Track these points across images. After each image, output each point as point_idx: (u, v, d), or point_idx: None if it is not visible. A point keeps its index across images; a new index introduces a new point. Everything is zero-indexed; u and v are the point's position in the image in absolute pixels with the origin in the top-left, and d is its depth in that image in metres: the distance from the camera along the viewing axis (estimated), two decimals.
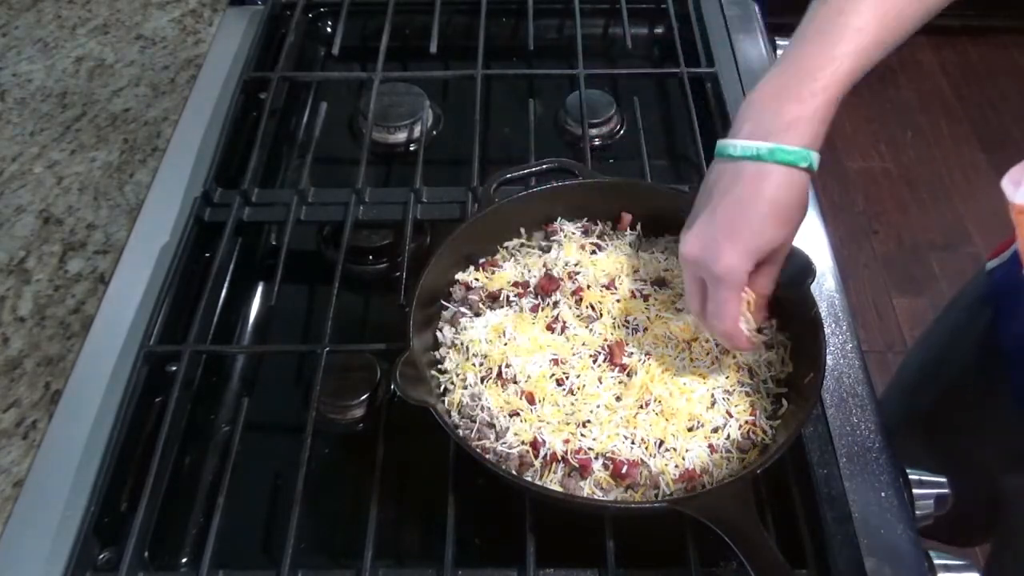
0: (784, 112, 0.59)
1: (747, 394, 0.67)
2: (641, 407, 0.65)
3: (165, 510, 0.69)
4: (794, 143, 0.59)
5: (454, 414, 0.67)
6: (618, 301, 0.72)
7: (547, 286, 0.72)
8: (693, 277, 0.63)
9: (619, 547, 0.63)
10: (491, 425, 0.65)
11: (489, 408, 0.65)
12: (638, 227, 0.79)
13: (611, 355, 0.68)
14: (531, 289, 0.73)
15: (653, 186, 0.85)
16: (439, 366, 0.70)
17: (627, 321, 0.70)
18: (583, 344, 0.69)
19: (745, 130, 0.60)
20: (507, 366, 0.67)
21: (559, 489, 0.62)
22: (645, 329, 0.70)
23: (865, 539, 0.65)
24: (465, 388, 0.68)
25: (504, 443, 0.63)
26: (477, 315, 0.72)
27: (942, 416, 1.01)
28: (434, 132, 1.03)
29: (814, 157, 0.60)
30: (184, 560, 0.69)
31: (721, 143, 0.62)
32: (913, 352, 1.13)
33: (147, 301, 0.80)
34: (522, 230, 0.78)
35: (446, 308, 0.74)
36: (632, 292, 0.72)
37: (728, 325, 0.62)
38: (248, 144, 0.94)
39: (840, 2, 0.60)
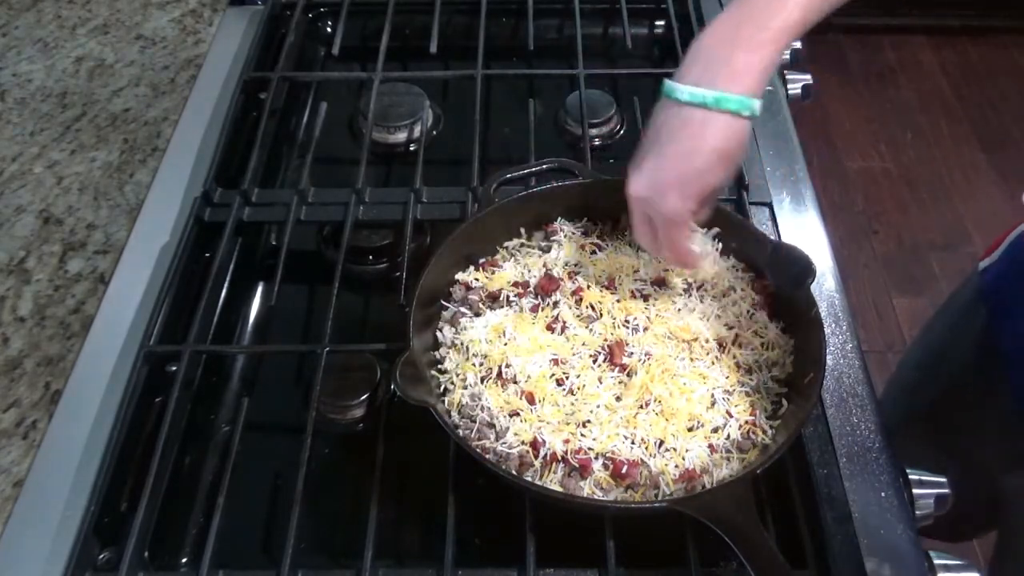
0: (733, 60, 0.61)
1: (747, 394, 0.67)
2: (641, 407, 0.65)
3: (165, 510, 0.69)
4: (739, 91, 0.60)
5: (454, 414, 0.67)
6: (618, 301, 0.72)
7: (547, 286, 0.72)
8: (641, 214, 0.66)
9: (619, 547, 0.63)
10: (491, 425, 0.65)
11: (489, 408, 0.65)
12: None
13: (611, 355, 0.68)
14: (531, 289, 0.73)
15: None
16: (439, 366, 0.70)
17: (627, 321, 0.70)
18: (583, 344, 0.69)
19: (693, 74, 0.62)
20: (507, 366, 0.67)
21: (559, 489, 0.62)
22: (645, 329, 0.70)
23: (865, 539, 0.65)
24: (465, 388, 0.68)
25: (504, 443, 0.63)
26: (477, 315, 0.72)
27: (941, 415, 1.01)
28: (434, 132, 1.03)
29: (756, 105, 0.62)
30: (184, 560, 0.69)
31: (669, 84, 0.63)
32: (911, 352, 1.13)
33: (147, 301, 0.80)
34: (522, 230, 0.78)
35: (446, 308, 0.74)
36: (632, 292, 0.72)
37: (678, 254, 0.67)
38: (248, 144, 0.93)
39: None
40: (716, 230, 0.75)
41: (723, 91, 0.60)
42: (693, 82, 0.61)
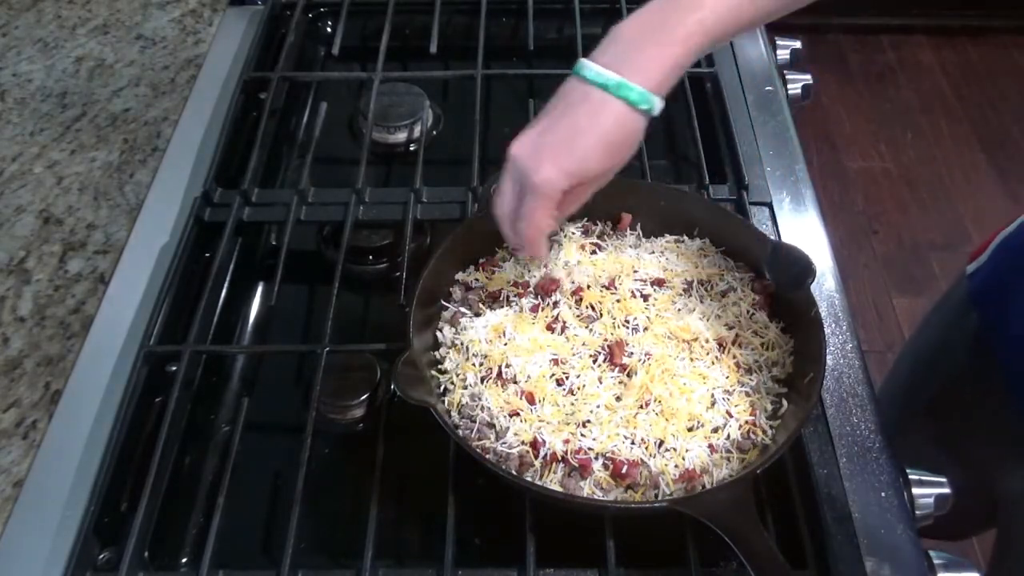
0: (641, 51, 0.61)
1: (747, 394, 0.67)
2: (641, 407, 0.65)
3: (165, 510, 0.69)
4: (641, 83, 0.60)
5: (454, 414, 0.67)
6: (618, 301, 0.72)
7: (547, 286, 0.72)
8: (512, 178, 0.64)
9: (619, 547, 0.63)
10: (491, 425, 0.65)
11: (489, 408, 0.65)
12: (638, 227, 0.79)
13: (611, 355, 0.68)
14: (531, 289, 0.73)
15: (653, 186, 0.85)
16: (439, 366, 0.70)
17: (627, 321, 0.70)
18: (583, 344, 0.69)
19: (604, 58, 0.62)
20: (507, 366, 0.67)
21: (559, 489, 0.62)
22: (645, 329, 0.70)
23: (865, 539, 0.65)
24: (465, 388, 0.68)
25: (504, 443, 0.63)
26: (477, 315, 0.72)
27: (940, 414, 1.01)
28: (434, 132, 1.03)
29: (655, 102, 0.61)
30: (184, 560, 0.69)
31: (580, 61, 0.63)
32: (905, 354, 1.12)
33: (147, 301, 0.80)
34: None
35: (446, 308, 0.74)
36: (632, 292, 0.72)
37: (531, 232, 0.64)
38: (248, 144, 0.94)
39: None
40: (581, 237, 0.75)
41: (626, 79, 0.60)
42: (601, 64, 0.61)
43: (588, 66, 0.62)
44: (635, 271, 0.74)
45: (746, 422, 0.65)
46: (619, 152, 0.63)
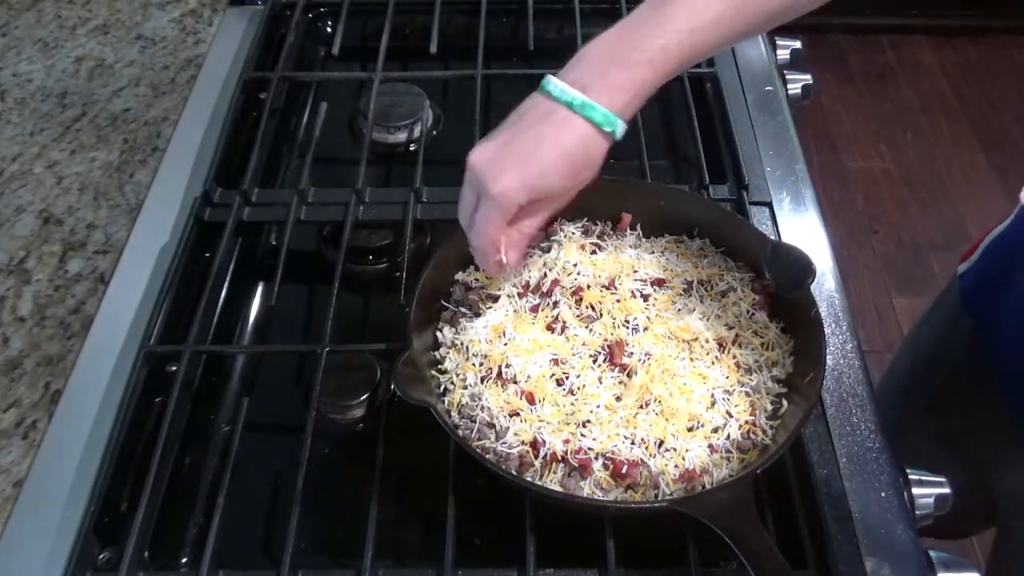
0: (607, 73, 0.60)
1: (747, 394, 0.67)
2: (641, 407, 0.65)
3: (165, 510, 0.69)
4: (606, 105, 0.60)
5: (454, 414, 0.67)
6: (618, 301, 0.72)
7: (547, 286, 0.72)
8: (471, 187, 0.63)
9: (619, 547, 0.63)
10: (491, 425, 0.65)
11: (489, 408, 0.65)
12: (638, 227, 0.79)
13: (611, 355, 0.68)
14: (531, 289, 0.73)
15: (653, 186, 0.85)
16: (439, 366, 0.70)
17: (627, 321, 0.70)
18: (583, 344, 0.69)
19: (572, 75, 0.61)
20: (507, 366, 0.67)
21: (559, 489, 0.62)
22: (645, 329, 0.70)
23: (865, 539, 0.65)
24: (465, 388, 0.68)
25: (504, 443, 0.63)
26: (477, 315, 0.72)
27: (938, 415, 1.01)
28: (434, 132, 1.03)
29: (619, 125, 0.61)
30: (184, 560, 0.69)
31: (547, 79, 0.63)
32: (901, 355, 1.12)
33: (147, 301, 0.80)
34: None
35: (446, 308, 0.74)
36: (632, 292, 0.72)
37: (482, 241, 0.64)
38: (248, 144, 0.94)
39: None
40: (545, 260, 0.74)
41: (591, 100, 0.60)
42: (568, 82, 0.61)
43: (554, 83, 0.62)
44: (635, 271, 0.74)
45: (746, 422, 0.65)
46: (579, 172, 0.63)
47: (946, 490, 0.70)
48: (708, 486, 0.62)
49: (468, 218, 0.64)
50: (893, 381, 1.12)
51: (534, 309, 0.72)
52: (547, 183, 0.62)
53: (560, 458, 0.63)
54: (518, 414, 0.65)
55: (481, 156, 0.62)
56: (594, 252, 0.76)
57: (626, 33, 0.62)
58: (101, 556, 0.66)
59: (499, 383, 0.67)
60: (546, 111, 0.61)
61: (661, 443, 0.64)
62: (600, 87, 0.60)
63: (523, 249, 0.67)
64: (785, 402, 0.67)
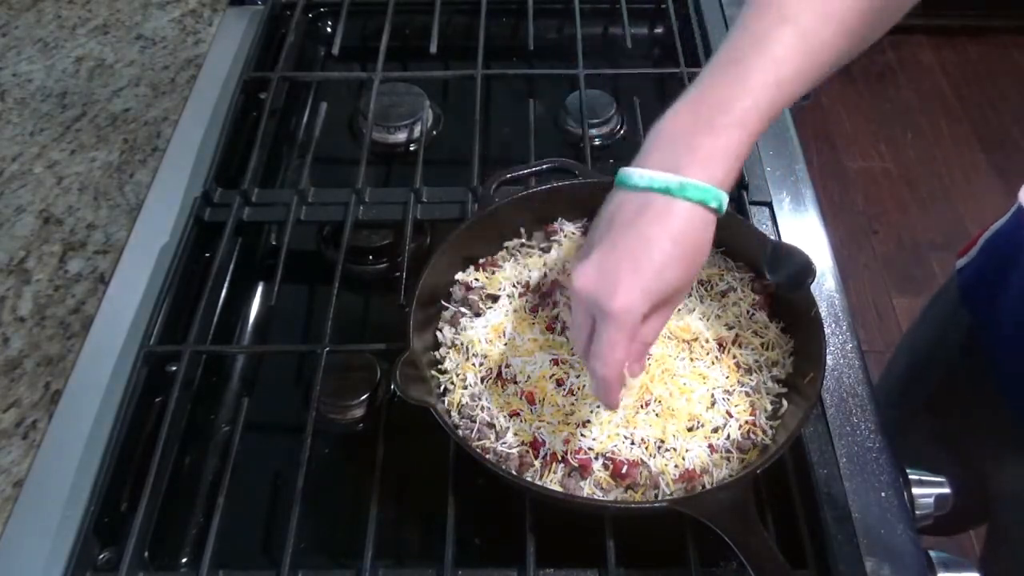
0: (696, 145, 0.54)
1: (747, 394, 0.67)
2: (641, 407, 0.65)
3: (165, 510, 0.69)
4: (704, 179, 0.54)
5: (454, 414, 0.67)
6: None
7: (547, 286, 0.72)
8: (585, 312, 0.56)
9: (619, 547, 0.63)
10: (491, 425, 0.65)
11: (489, 408, 0.65)
12: None
13: None
14: (531, 289, 0.73)
15: None
16: (439, 366, 0.70)
17: None
18: None
19: (653, 159, 0.55)
20: (507, 366, 0.67)
21: (559, 489, 0.62)
22: None
23: (865, 539, 0.65)
24: (465, 388, 0.68)
25: (504, 443, 0.63)
26: (477, 315, 0.72)
27: (937, 414, 1.01)
28: (434, 132, 1.03)
29: (723, 198, 0.55)
30: (184, 560, 0.69)
31: (624, 171, 0.56)
32: (899, 352, 1.12)
33: (147, 301, 0.80)
34: (522, 230, 0.78)
35: (446, 308, 0.74)
36: None
37: (608, 371, 0.55)
38: (248, 144, 0.93)
39: (760, 29, 0.55)
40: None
41: (688, 178, 0.53)
42: (653, 167, 0.54)
43: (636, 174, 0.55)
44: None
45: (746, 422, 0.65)
46: (695, 259, 0.55)
47: (946, 490, 0.70)
48: (708, 486, 0.62)
49: (585, 347, 0.57)
50: (891, 380, 1.12)
51: (534, 309, 0.72)
52: (666, 281, 0.54)
53: (560, 458, 0.63)
54: (518, 414, 0.65)
55: (587, 278, 0.54)
56: None
57: (702, 99, 0.55)
58: (101, 556, 0.66)
59: (499, 383, 0.67)
60: (639, 206, 0.54)
61: (661, 443, 0.64)
62: (692, 161, 0.54)
63: (644, 361, 0.60)
64: (785, 402, 0.67)
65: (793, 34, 0.55)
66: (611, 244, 0.55)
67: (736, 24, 0.57)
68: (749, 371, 0.68)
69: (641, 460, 0.63)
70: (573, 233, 0.78)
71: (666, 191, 0.54)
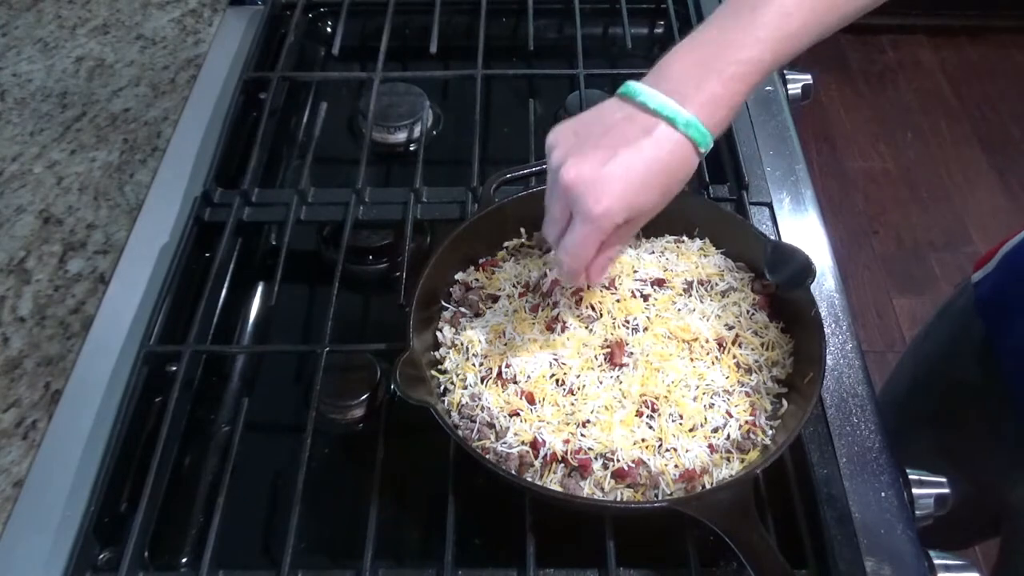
0: (704, 87, 0.56)
1: (747, 394, 0.67)
2: (641, 407, 0.65)
3: (165, 510, 0.69)
4: (704, 121, 0.56)
5: (454, 414, 0.67)
6: (618, 301, 0.72)
7: (547, 286, 0.72)
8: (565, 205, 0.59)
9: (619, 547, 0.63)
10: (491, 425, 0.65)
11: (489, 408, 0.65)
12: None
13: (611, 355, 0.68)
14: (531, 289, 0.73)
15: None
16: (439, 366, 0.70)
17: (627, 321, 0.70)
18: (583, 344, 0.69)
19: (665, 86, 0.57)
20: (507, 366, 0.67)
21: (559, 489, 0.62)
22: (645, 329, 0.70)
23: (865, 539, 0.65)
24: (465, 388, 0.68)
25: (504, 443, 0.63)
26: (477, 315, 0.72)
27: (941, 427, 1.00)
28: (434, 132, 1.03)
29: (711, 144, 0.58)
30: (184, 560, 0.69)
31: (635, 86, 0.58)
32: (906, 362, 1.10)
33: (147, 301, 0.80)
34: (522, 230, 0.78)
35: (446, 308, 0.74)
36: (632, 292, 0.72)
37: (576, 264, 0.61)
38: (248, 144, 0.94)
39: None
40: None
41: (695, 117, 0.56)
42: (666, 93, 0.56)
43: (647, 92, 0.57)
44: (635, 271, 0.74)
45: (746, 422, 0.65)
46: (673, 191, 0.59)
47: (946, 490, 0.70)
48: (708, 486, 0.62)
49: (558, 234, 0.61)
50: (896, 389, 1.10)
51: (534, 309, 0.72)
52: (647, 203, 0.58)
53: (560, 458, 0.63)
54: (518, 414, 0.65)
55: (579, 173, 0.57)
56: None
57: (714, 40, 0.57)
58: (101, 556, 0.66)
59: (499, 383, 0.67)
60: (644, 125, 0.57)
61: (661, 443, 0.64)
62: (698, 101, 0.56)
63: (607, 270, 0.66)
64: (785, 402, 0.67)
65: None
66: (609, 150, 0.57)
67: None
68: (749, 371, 0.68)
69: (641, 460, 0.63)
70: None
71: (672, 121, 0.56)
